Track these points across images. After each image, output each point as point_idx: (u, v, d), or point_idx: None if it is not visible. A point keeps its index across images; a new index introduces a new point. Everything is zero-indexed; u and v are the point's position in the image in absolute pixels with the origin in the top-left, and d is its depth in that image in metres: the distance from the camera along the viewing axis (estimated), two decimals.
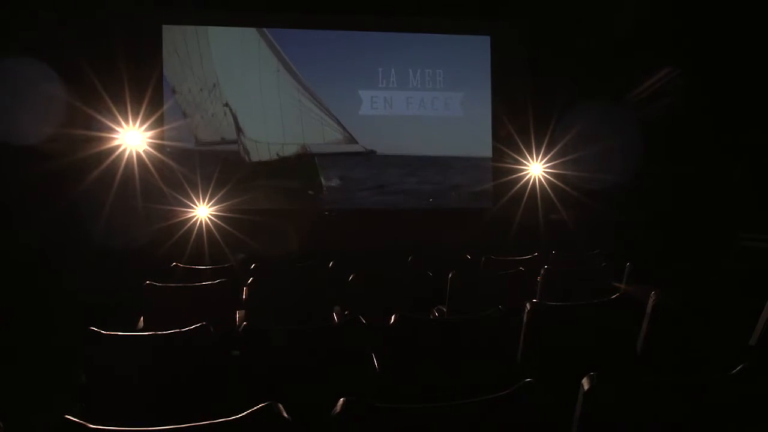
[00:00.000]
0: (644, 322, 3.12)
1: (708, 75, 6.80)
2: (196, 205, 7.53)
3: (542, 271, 4.25)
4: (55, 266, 6.43)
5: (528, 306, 2.90)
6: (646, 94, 7.28)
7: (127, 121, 7.21)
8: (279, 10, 8.39)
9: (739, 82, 6.60)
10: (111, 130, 7.13)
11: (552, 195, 7.91)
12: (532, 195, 8.05)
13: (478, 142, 8.92)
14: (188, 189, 7.63)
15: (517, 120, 8.23)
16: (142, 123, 7.30)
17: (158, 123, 7.50)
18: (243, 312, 4.04)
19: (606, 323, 3.03)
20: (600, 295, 3.45)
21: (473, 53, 9.10)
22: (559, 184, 7.85)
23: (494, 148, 8.78)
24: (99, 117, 7.05)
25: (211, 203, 7.56)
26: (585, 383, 1.71)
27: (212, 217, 7.49)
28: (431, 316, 4.01)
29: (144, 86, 7.43)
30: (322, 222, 7.81)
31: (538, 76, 8.27)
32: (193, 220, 7.44)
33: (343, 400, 1.59)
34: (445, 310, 4.15)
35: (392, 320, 2.77)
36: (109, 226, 6.96)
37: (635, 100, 7.42)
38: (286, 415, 1.55)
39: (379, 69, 8.86)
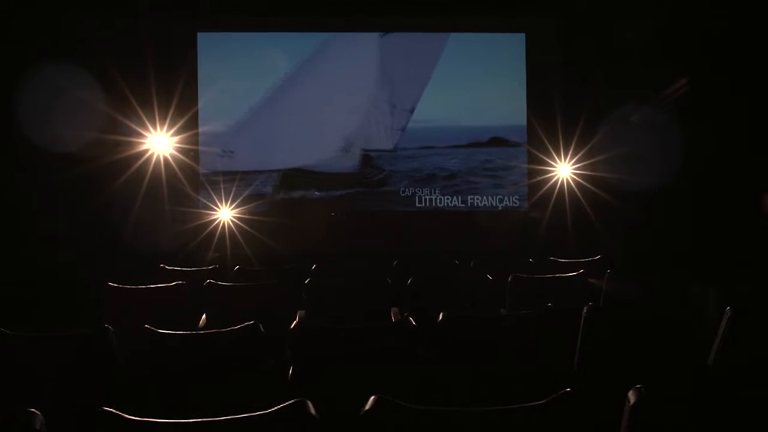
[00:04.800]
0: (579, 336, 2.91)
1: (744, 74, 6.31)
2: (219, 208, 7.71)
3: (510, 279, 4.06)
4: (85, 268, 6.72)
5: (440, 315, 2.77)
6: (680, 94, 6.84)
7: (155, 126, 7.46)
8: (310, 13, 8.43)
9: None
10: (139, 135, 7.40)
11: (580, 197, 7.56)
12: (560, 197, 7.72)
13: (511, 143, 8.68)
14: (211, 192, 7.82)
15: (548, 120, 7.92)
16: (170, 128, 7.53)
17: (185, 128, 7.70)
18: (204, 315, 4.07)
19: (532, 337, 2.85)
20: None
21: (508, 51, 8.85)
22: (588, 185, 7.50)
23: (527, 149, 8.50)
24: (128, 122, 7.33)
25: (233, 206, 7.72)
26: (368, 404, 1.60)
27: (234, 219, 7.64)
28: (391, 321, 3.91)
29: (172, 92, 7.66)
30: (325, 223, 7.81)
31: (571, 75, 7.94)
32: (216, 222, 7.62)
33: (99, 410, 1.56)
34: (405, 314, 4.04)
35: (292, 326, 2.72)
36: (137, 229, 7.23)
37: (669, 99, 6.99)
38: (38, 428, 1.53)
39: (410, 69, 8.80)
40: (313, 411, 1.56)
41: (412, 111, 8.62)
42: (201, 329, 3.73)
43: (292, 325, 2.68)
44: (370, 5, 8.27)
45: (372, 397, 1.58)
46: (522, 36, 8.82)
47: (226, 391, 2.61)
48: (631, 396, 1.62)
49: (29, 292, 5.89)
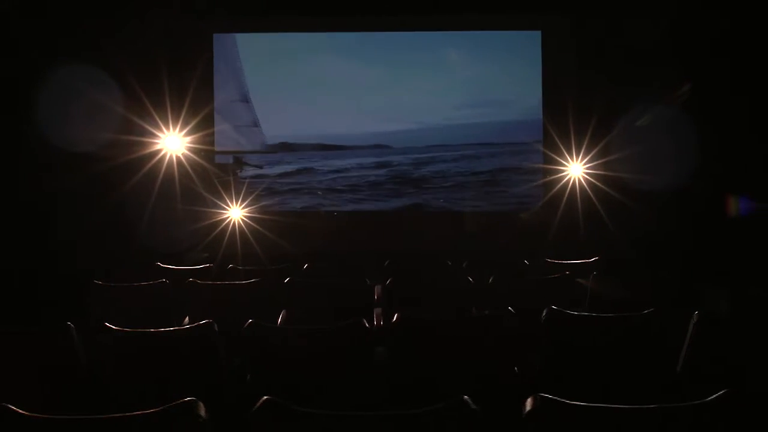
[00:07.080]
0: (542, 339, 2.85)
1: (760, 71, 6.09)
2: (230, 207, 7.80)
3: (490, 280, 4.01)
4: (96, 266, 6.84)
5: (395, 317, 2.75)
6: (690, 94, 6.64)
7: (167, 126, 7.57)
8: (326, 14, 8.47)
9: None
10: (153, 135, 7.52)
11: (592, 196, 7.41)
12: (572, 196, 7.58)
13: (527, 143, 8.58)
14: (222, 192, 7.92)
15: (561, 118, 7.79)
16: (182, 128, 7.63)
17: (197, 128, 7.81)
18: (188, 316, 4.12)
19: (490, 338, 2.81)
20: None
21: (524, 50, 8.75)
22: (600, 185, 7.34)
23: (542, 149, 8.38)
24: (142, 123, 7.46)
25: (243, 205, 7.81)
26: (257, 405, 1.60)
27: (245, 219, 7.73)
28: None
29: (184, 93, 7.78)
30: (327, 222, 7.84)
31: (585, 73, 7.80)
32: (227, 221, 7.71)
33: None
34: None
35: (245, 325, 2.74)
36: (151, 228, 7.36)
37: (684, 98, 6.79)
38: None
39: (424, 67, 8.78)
40: (203, 412, 1.57)
41: (246, 101, 8.59)
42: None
43: (246, 325, 2.69)
44: (386, 4, 8.27)
45: (263, 398, 1.58)
46: (538, 34, 8.72)
47: (179, 389, 2.63)
48: (528, 403, 1.59)
49: (39, 290, 6.07)
